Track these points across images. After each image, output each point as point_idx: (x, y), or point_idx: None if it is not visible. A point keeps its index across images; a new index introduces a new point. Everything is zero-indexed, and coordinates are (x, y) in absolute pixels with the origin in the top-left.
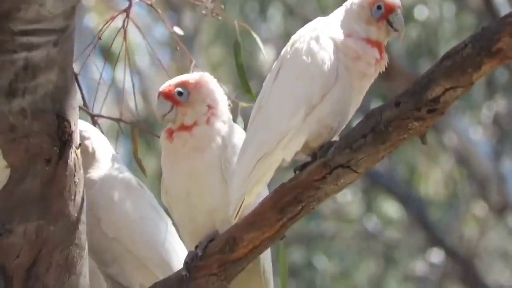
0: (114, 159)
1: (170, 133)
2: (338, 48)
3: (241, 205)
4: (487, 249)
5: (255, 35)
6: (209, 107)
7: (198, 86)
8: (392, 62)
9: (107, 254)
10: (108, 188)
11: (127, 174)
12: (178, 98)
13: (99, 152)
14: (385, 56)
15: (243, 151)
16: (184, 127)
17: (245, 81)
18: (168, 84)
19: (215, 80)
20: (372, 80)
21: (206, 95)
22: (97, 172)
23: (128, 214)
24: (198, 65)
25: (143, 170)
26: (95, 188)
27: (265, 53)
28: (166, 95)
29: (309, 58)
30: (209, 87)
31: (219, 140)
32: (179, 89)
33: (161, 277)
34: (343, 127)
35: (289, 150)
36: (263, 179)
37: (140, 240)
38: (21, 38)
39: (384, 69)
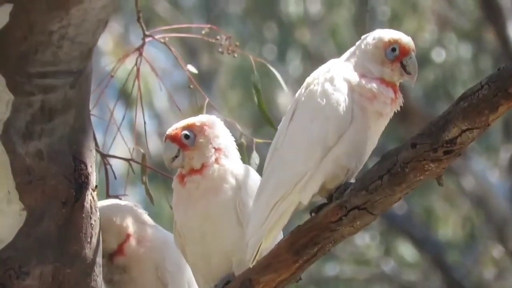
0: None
1: (182, 177)
2: (353, 89)
3: (258, 249)
4: None
5: (273, 69)
6: (216, 149)
7: (204, 128)
8: (409, 104)
9: None
10: (170, 252)
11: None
12: (185, 141)
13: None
14: (400, 95)
15: (259, 194)
16: (194, 171)
17: (266, 113)
18: (175, 127)
19: (222, 122)
20: (388, 120)
21: (213, 138)
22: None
23: (177, 265)
24: (212, 103)
25: (151, 198)
26: (155, 252)
27: (285, 87)
28: (173, 139)
29: (324, 100)
30: (215, 129)
31: (232, 180)
32: (186, 132)
33: None
34: (360, 168)
35: (305, 192)
36: (280, 222)
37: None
38: (38, 80)
39: (399, 109)
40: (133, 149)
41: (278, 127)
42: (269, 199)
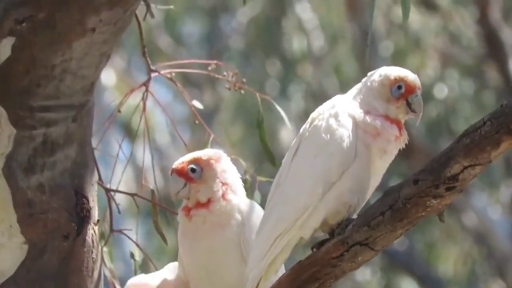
0: None
1: (188, 210)
2: (357, 125)
3: (258, 283)
4: None
5: (278, 107)
6: (223, 183)
7: (211, 162)
8: (411, 140)
9: None
10: None
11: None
12: (192, 175)
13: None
14: (405, 133)
15: (261, 228)
16: (200, 205)
17: (269, 150)
18: (181, 161)
19: (228, 157)
20: (393, 157)
21: (219, 172)
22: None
23: None
24: (216, 139)
25: (162, 235)
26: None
27: (288, 123)
28: (179, 172)
29: (328, 136)
30: (222, 163)
31: (238, 216)
32: (192, 166)
33: None
34: (363, 205)
35: (307, 227)
36: (281, 257)
37: None
38: (40, 114)
39: (404, 146)
40: (142, 185)
41: (282, 162)
42: (270, 233)
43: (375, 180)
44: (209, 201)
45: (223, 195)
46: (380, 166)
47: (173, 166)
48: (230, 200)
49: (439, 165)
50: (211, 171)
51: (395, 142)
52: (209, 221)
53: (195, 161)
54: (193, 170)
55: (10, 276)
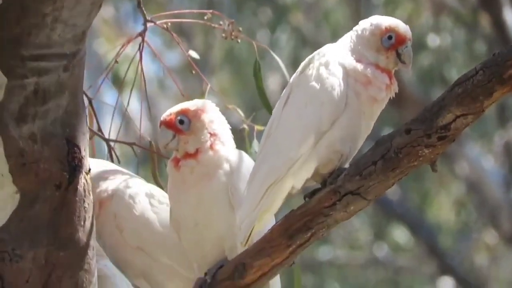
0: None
1: (177, 161)
2: (348, 74)
3: (251, 233)
4: (498, 278)
5: (274, 55)
6: (211, 134)
7: (199, 113)
8: (403, 90)
9: (134, 266)
10: (126, 198)
11: (150, 186)
12: (180, 126)
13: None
14: (395, 82)
15: (252, 178)
16: (189, 155)
17: (266, 100)
18: (169, 112)
19: (217, 107)
20: (383, 106)
21: (207, 123)
22: (114, 183)
23: (150, 223)
24: (213, 88)
25: (160, 186)
26: (114, 199)
27: (286, 73)
28: (168, 124)
29: (319, 85)
30: (210, 114)
31: (226, 166)
32: (180, 117)
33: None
34: (354, 154)
35: (299, 177)
36: (273, 207)
37: (163, 246)
38: (32, 63)
39: (394, 95)
40: (139, 135)
41: (273, 111)
42: (262, 183)
43: (366, 128)
44: (197, 151)
45: (211, 146)
46: (370, 114)
47: (161, 119)
48: (218, 151)
49: (431, 115)
50: (199, 122)
51: (386, 91)
52: (197, 171)
53: (183, 112)
54: (181, 121)
55: (3, 225)
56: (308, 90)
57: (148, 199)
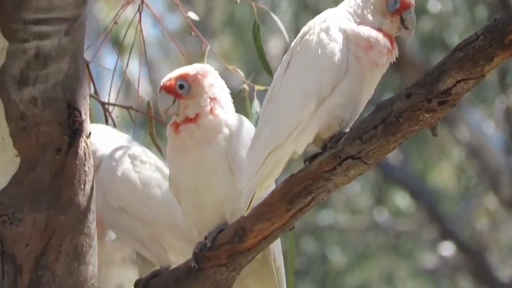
0: (124, 139)
1: (177, 126)
2: (348, 39)
3: (252, 198)
4: (499, 243)
5: (275, 17)
6: (211, 98)
7: (198, 78)
8: (404, 55)
9: (122, 229)
10: (110, 161)
11: (135, 148)
12: (180, 91)
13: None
14: (396, 47)
15: (253, 143)
16: (189, 120)
17: (265, 61)
18: (169, 77)
19: (216, 71)
20: (384, 71)
21: (207, 87)
22: (104, 148)
23: (131, 182)
24: (213, 50)
25: (158, 147)
26: (101, 166)
27: (286, 36)
28: (168, 89)
29: (319, 50)
30: (209, 78)
31: (226, 131)
32: (180, 82)
33: (171, 238)
34: (355, 119)
35: (300, 142)
36: (274, 172)
37: (145, 203)
38: (33, 27)
39: (395, 60)
40: (138, 97)
41: (274, 76)
42: (263, 148)
43: (367, 94)
44: (197, 116)
45: (211, 110)
46: (371, 79)
47: (161, 84)
48: (217, 115)
49: (432, 79)
50: (199, 87)
51: (387, 56)
52: (196, 135)
53: (183, 77)
54: (181, 86)
55: (3, 189)
56: (308, 55)
57: (130, 159)
